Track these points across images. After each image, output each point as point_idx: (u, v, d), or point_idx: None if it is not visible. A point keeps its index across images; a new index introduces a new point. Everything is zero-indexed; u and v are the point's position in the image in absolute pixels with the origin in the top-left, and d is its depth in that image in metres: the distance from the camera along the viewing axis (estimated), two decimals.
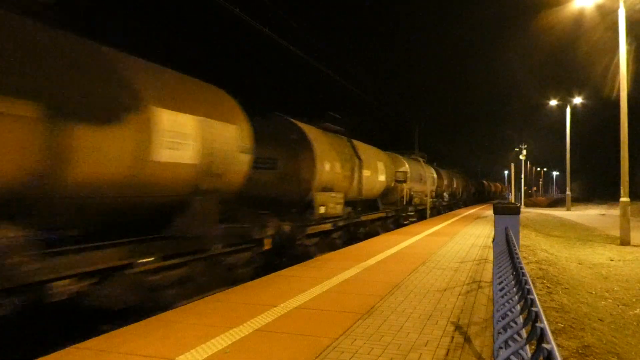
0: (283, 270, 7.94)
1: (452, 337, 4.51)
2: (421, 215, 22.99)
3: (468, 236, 14.00)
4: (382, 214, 17.10)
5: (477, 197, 52.60)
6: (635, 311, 8.19)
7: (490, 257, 9.56)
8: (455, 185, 36.16)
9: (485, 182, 63.95)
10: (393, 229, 17.13)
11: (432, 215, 24.56)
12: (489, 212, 27.21)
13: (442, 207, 29.34)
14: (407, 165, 20.17)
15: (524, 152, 52.19)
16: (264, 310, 5.30)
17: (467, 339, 4.48)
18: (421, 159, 25.65)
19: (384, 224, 17.48)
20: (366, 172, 14.43)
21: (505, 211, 9.42)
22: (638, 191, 37.51)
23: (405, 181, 19.01)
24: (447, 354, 4.06)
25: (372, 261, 8.86)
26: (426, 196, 23.59)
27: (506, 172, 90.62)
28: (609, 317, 7.81)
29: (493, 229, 10.77)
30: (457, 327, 4.82)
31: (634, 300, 8.88)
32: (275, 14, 13.10)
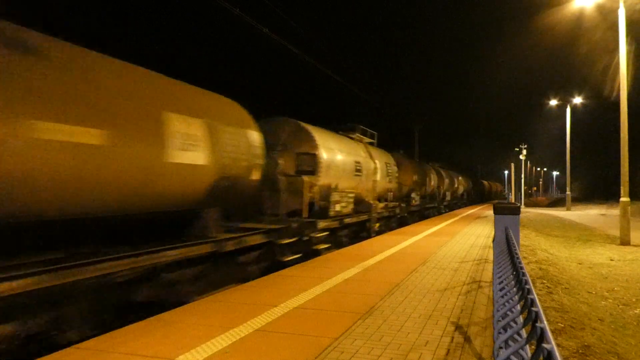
0: (283, 270, 7.94)
1: (452, 337, 4.51)
2: (359, 231, 14.05)
3: (468, 236, 14.00)
4: (205, 249, 6.94)
5: (472, 199, 45.67)
6: (636, 311, 8.19)
7: (490, 257, 9.56)
8: (433, 183, 26.37)
9: (484, 181, 63.85)
10: (242, 283, 7.31)
11: (384, 230, 15.79)
12: (489, 212, 27.18)
13: (409, 214, 20.59)
14: (319, 145, 11.35)
15: (524, 152, 52.21)
16: (264, 310, 5.30)
17: (467, 339, 4.48)
18: (365, 139, 16.25)
19: (205, 275, 7.21)
20: (54, 133, 4.71)
21: (505, 211, 9.42)
22: (638, 191, 37.47)
23: (314, 172, 11.03)
24: (447, 354, 4.06)
25: (372, 261, 8.85)
26: (374, 200, 15.15)
27: (506, 172, 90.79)
28: (609, 317, 7.81)
29: (493, 229, 10.77)
30: (457, 327, 4.83)
31: (634, 300, 8.88)
32: (274, 12, 13.03)
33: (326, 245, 11.13)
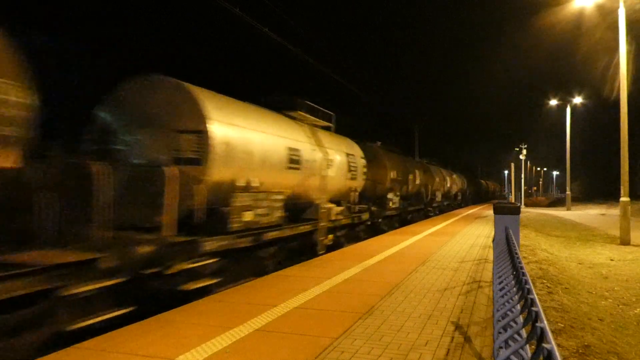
0: (283, 270, 7.95)
1: (452, 337, 4.51)
2: (304, 247, 10.23)
3: (468, 236, 14.01)
4: None
5: (467, 199, 42.66)
6: (636, 311, 8.19)
7: (490, 256, 9.56)
8: (419, 181, 22.34)
9: (482, 181, 63.84)
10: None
11: (342, 243, 12.26)
12: (487, 212, 27.14)
13: (384, 220, 16.82)
14: (211, 118, 7.13)
15: (524, 151, 52.22)
16: (264, 310, 5.30)
17: (467, 339, 4.49)
18: (313, 119, 11.81)
19: None
20: None
21: (505, 211, 9.42)
22: (638, 191, 37.48)
23: (200, 161, 7.03)
24: (447, 354, 4.06)
25: (372, 261, 8.86)
26: (326, 202, 11.14)
27: (506, 172, 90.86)
28: (609, 317, 7.81)
29: (492, 229, 10.78)
30: (457, 327, 4.83)
31: (634, 300, 8.87)
32: (273, 11, 13.01)
33: (213, 281, 6.79)
